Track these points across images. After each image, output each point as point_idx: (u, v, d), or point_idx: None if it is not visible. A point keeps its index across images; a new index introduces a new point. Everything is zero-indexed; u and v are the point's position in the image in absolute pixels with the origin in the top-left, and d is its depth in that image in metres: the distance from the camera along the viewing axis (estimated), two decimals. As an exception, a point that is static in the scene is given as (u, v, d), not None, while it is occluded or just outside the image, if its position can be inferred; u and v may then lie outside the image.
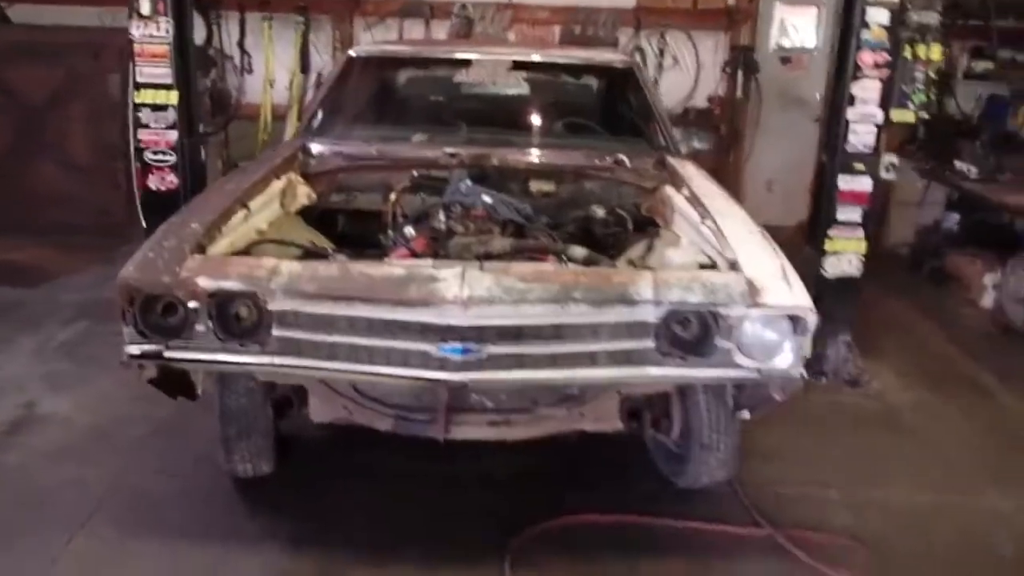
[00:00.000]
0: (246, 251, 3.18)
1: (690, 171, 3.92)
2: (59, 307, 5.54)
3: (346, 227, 3.93)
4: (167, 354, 2.81)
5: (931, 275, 6.79)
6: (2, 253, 6.48)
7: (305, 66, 7.71)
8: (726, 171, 7.67)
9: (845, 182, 4.55)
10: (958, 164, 6.43)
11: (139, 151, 4.73)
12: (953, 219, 7.01)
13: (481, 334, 2.69)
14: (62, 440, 3.96)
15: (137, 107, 4.50)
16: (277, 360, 2.80)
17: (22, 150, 7.09)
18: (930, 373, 5.07)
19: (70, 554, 3.18)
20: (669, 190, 3.75)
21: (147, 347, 2.80)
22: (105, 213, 7.04)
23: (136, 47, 4.40)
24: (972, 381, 5.04)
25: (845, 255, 4.66)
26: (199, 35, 5.59)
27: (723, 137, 7.80)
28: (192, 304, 2.74)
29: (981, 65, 7.45)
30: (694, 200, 3.50)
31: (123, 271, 2.81)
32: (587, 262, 3.28)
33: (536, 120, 4.72)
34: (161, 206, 4.45)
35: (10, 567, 3.11)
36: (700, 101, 7.83)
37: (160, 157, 4.53)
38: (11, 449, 3.87)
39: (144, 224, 6.61)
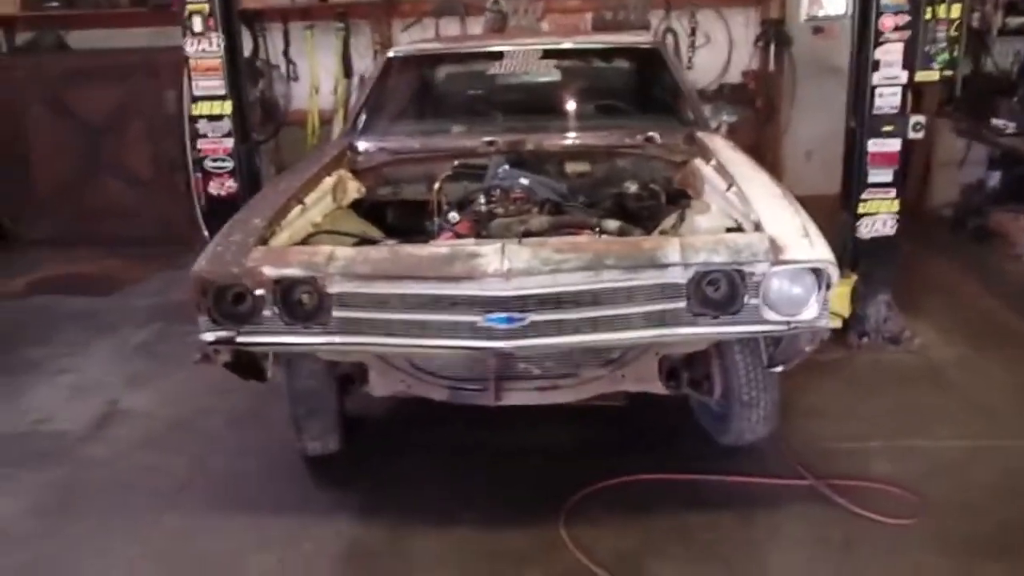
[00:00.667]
0: (303, 242, 3.43)
1: (718, 144, 4.09)
2: (132, 312, 5.89)
3: (394, 217, 4.17)
4: (239, 339, 3.06)
5: (975, 234, 6.81)
6: (73, 266, 6.88)
7: (348, 70, 7.99)
8: (765, 144, 7.78)
9: (875, 145, 4.66)
10: (995, 121, 6.45)
11: (198, 161, 5.03)
12: (995, 177, 7.01)
13: (523, 303, 2.90)
14: (145, 432, 4.27)
15: (195, 119, 4.77)
16: (338, 339, 3.04)
17: (86, 168, 7.50)
18: (973, 329, 5.14)
19: (162, 529, 3.48)
20: (698, 162, 3.92)
21: (221, 334, 3.06)
22: (168, 223, 7.39)
23: (191, 62, 4.68)
24: (1015, 335, 5.10)
25: (879, 216, 4.76)
26: (246, 48, 5.88)
27: (759, 111, 7.89)
28: (259, 291, 2.99)
29: (1016, 21, 7.43)
30: (721, 170, 3.68)
31: (195, 265, 3.07)
32: (621, 234, 3.48)
33: (568, 104, 4.91)
34: (223, 210, 4.74)
35: (108, 540, 3.41)
36: (734, 77, 7.93)
37: (219, 164, 4.82)
38: (100, 442, 4.19)
39: (205, 232, 6.99)
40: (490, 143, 4.21)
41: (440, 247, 3.17)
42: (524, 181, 3.85)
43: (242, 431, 4.22)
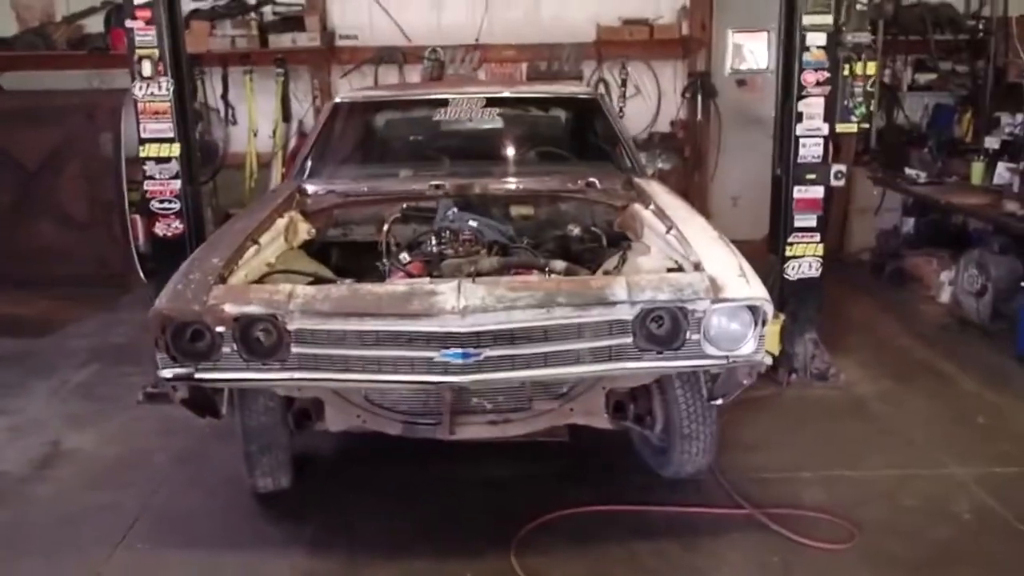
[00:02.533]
0: (259, 282, 3.50)
1: (655, 188, 4.31)
2: (69, 353, 5.84)
3: (344, 258, 4.28)
4: (197, 375, 3.12)
5: (892, 277, 7.17)
6: (7, 307, 6.77)
7: (287, 114, 8.10)
8: (693, 190, 8.09)
9: (799, 192, 4.93)
10: (908, 170, 6.85)
11: (137, 203, 5.05)
12: (910, 223, 7.38)
13: (478, 339, 3.04)
14: (90, 471, 4.24)
15: (143, 160, 4.81)
16: (297, 375, 3.14)
17: (21, 209, 7.40)
18: (893, 365, 5.44)
19: (112, 566, 3.47)
20: (637, 207, 4.13)
21: (179, 370, 3.11)
22: (103, 265, 7.36)
23: (140, 105, 4.72)
24: (933, 369, 5.41)
25: (805, 259, 5.02)
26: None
27: (687, 158, 8.21)
28: (219, 329, 3.06)
29: (924, 77, 7.93)
30: (660, 214, 3.88)
31: (156, 302, 3.12)
32: (567, 274, 3.64)
33: (511, 150, 5.11)
34: (168, 251, 4.80)
35: (58, 580, 3.40)
36: (663, 125, 8.27)
37: (166, 205, 4.85)
38: (44, 481, 4.15)
39: (141, 273, 6.99)
40: (437, 187, 4.36)
41: (399, 285, 3.29)
42: (473, 223, 4.00)
43: (188, 469, 4.23)
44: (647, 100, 8.25)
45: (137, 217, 6.88)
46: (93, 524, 3.76)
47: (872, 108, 4.93)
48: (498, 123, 5.10)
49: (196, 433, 4.38)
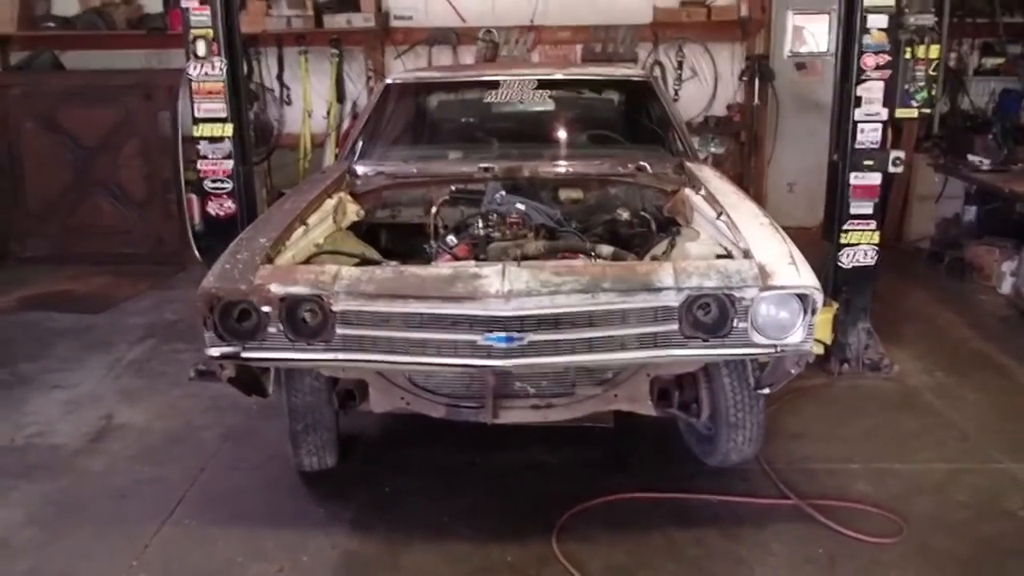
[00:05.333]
0: (306, 262, 3.53)
1: (707, 173, 4.23)
2: (125, 329, 5.96)
3: (392, 240, 4.30)
4: (244, 355, 3.15)
5: (951, 266, 7.00)
6: (67, 283, 6.93)
7: (341, 95, 8.16)
8: (748, 176, 7.98)
9: (856, 178, 4.81)
10: (971, 157, 6.66)
11: (191, 182, 5.11)
12: (971, 211, 7.20)
13: (522, 323, 3.01)
14: (141, 446, 4.33)
15: (196, 140, 4.86)
16: (341, 356, 3.15)
17: (80, 187, 7.58)
18: (949, 357, 5.32)
19: (160, 540, 3.53)
20: (688, 191, 4.06)
21: (226, 349, 3.14)
22: (160, 243, 7.51)
23: (194, 85, 4.77)
24: (990, 362, 5.27)
25: (860, 247, 4.91)
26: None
27: (744, 143, 8.09)
28: (265, 308, 3.08)
29: (991, 61, 7.70)
30: (710, 199, 3.82)
31: (204, 282, 3.15)
32: (614, 259, 3.60)
33: (562, 133, 5.06)
34: (220, 230, 4.86)
35: (106, 552, 3.46)
36: (720, 109, 8.15)
37: (218, 185, 4.91)
38: (97, 455, 4.24)
39: (196, 252, 7.09)
40: (486, 169, 4.33)
41: (443, 268, 3.28)
42: (520, 206, 3.97)
43: (236, 446, 4.29)
44: (703, 83, 8.14)
45: (192, 196, 7.03)
46: (142, 498, 3.84)
47: (935, 93, 4.78)
48: (549, 105, 5.05)
49: (244, 411, 4.45)
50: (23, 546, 3.51)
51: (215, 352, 3.16)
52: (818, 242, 5.05)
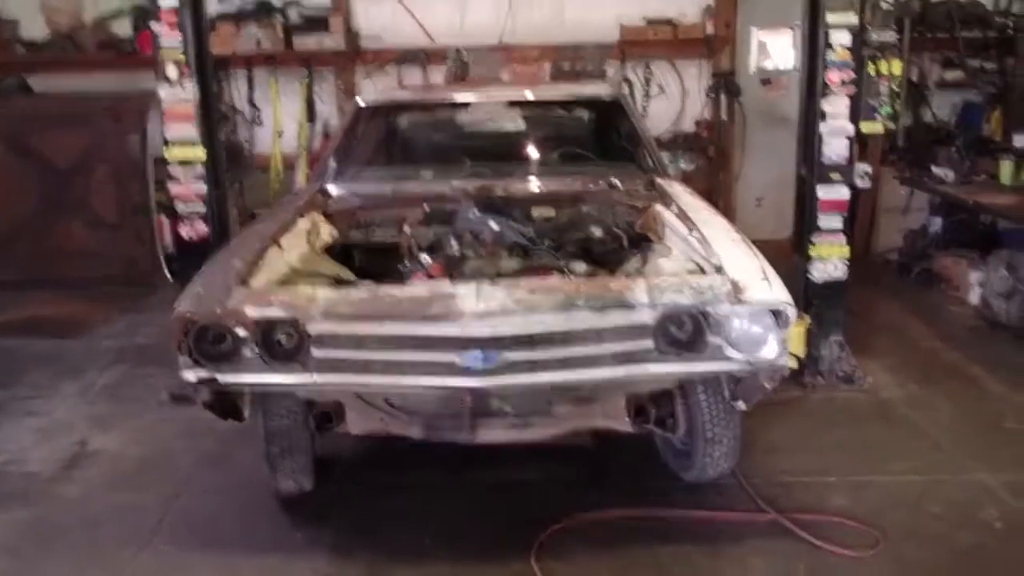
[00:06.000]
0: (281, 284, 3.51)
1: (677, 190, 4.28)
2: (97, 354, 5.89)
3: (366, 260, 4.29)
4: (219, 378, 3.14)
5: (920, 277, 7.09)
6: (37, 308, 6.84)
7: (311, 115, 8.13)
8: (717, 191, 8.04)
9: (824, 192, 4.88)
10: (935, 169, 6.77)
11: (164, 205, 5.09)
12: (937, 223, 7.29)
13: (498, 342, 3.03)
14: (116, 472, 4.28)
15: (168, 163, 4.84)
16: (317, 378, 3.14)
17: (50, 211, 7.47)
18: (921, 368, 5.38)
19: (136, 567, 3.50)
20: (659, 208, 4.10)
21: (201, 373, 3.13)
22: (132, 265, 7.44)
23: (165, 108, 4.76)
24: (961, 372, 5.34)
25: (830, 260, 4.97)
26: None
27: (712, 158, 8.16)
28: (240, 332, 3.08)
29: (952, 75, 7.81)
30: (682, 215, 3.86)
31: (178, 305, 3.14)
32: (588, 276, 3.63)
33: (534, 152, 5.10)
34: (193, 253, 4.84)
35: (83, 580, 3.43)
36: (688, 125, 8.20)
37: (191, 207, 4.88)
38: (71, 482, 4.19)
39: (168, 274, 7.06)
40: (459, 188, 4.35)
41: (418, 288, 3.29)
42: (494, 225, 3.99)
43: (212, 471, 4.25)
44: (671, 100, 8.20)
45: (163, 218, 7.00)
46: (118, 525, 3.80)
47: (898, 107, 4.87)
48: (520, 124, 5.10)
49: (219, 435, 4.41)
50: (-3, 576, 3.47)
51: (190, 376, 3.15)
52: (787, 255, 5.10)
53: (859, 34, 4.67)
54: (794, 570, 3.41)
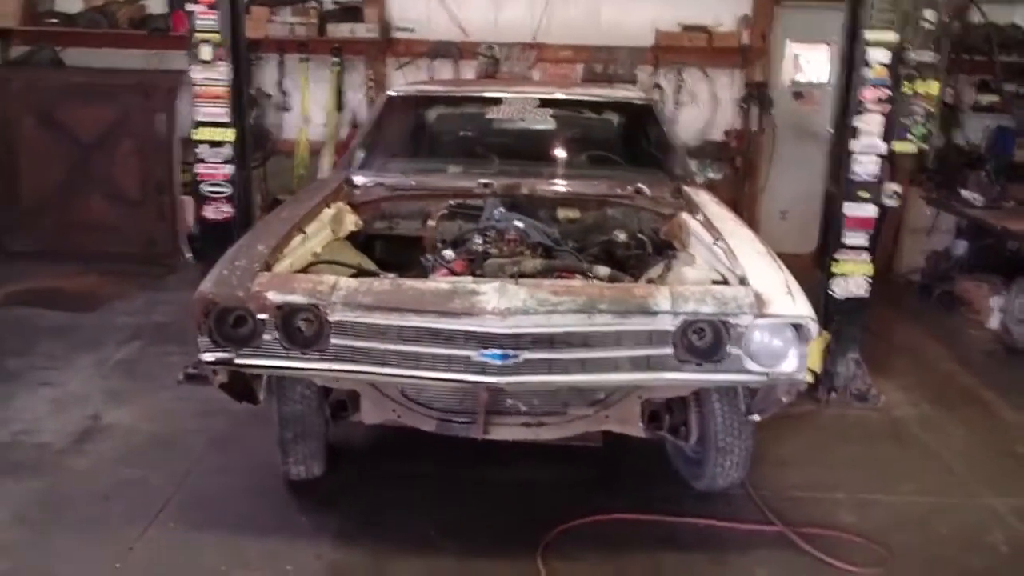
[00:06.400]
0: (304, 271, 3.53)
1: (704, 199, 4.27)
2: (114, 329, 5.92)
3: (389, 251, 4.31)
4: (237, 361, 3.15)
5: (940, 299, 7.05)
6: (57, 280, 6.88)
7: (340, 104, 8.16)
8: (742, 202, 8.01)
9: (851, 209, 4.84)
10: (964, 192, 6.73)
11: (188, 184, 5.10)
12: (962, 246, 7.25)
13: (517, 341, 3.03)
14: (127, 447, 4.30)
15: (196, 143, 4.86)
16: (335, 366, 3.15)
17: (74, 184, 7.55)
18: (935, 389, 5.35)
19: (143, 543, 3.51)
20: (685, 216, 4.09)
21: (220, 355, 3.15)
22: (152, 243, 7.50)
23: (197, 89, 4.77)
24: (975, 396, 5.31)
25: (853, 277, 4.93)
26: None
27: (739, 169, 8.14)
28: (261, 316, 3.09)
29: (987, 98, 7.77)
30: (708, 224, 3.85)
31: (201, 287, 3.15)
32: (611, 280, 3.62)
33: (562, 153, 5.08)
34: (216, 234, 4.86)
35: (90, 554, 3.44)
36: (716, 134, 8.19)
37: (216, 189, 4.90)
38: (82, 455, 4.22)
39: (188, 254, 7.10)
40: (486, 185, 4.36)
41: (441, 283, 3.29)
42: (519, 224, 3.99)
43: (223, 452, 4.27)
44: (701, 108, 8.19)
45: (187, 199, 7.04)
46: (127, 500, 3.82)
47: (932, 128, 4.82)
48: (550, 124, 5.08)
49: (233, 417, 4.42)
50: (5, 545, 3.48)
51: (209, 357, 3.16)
52: (810, 270, 5.07)
53: (897, 52, 4.63)
54: (799, 584, 3.41)
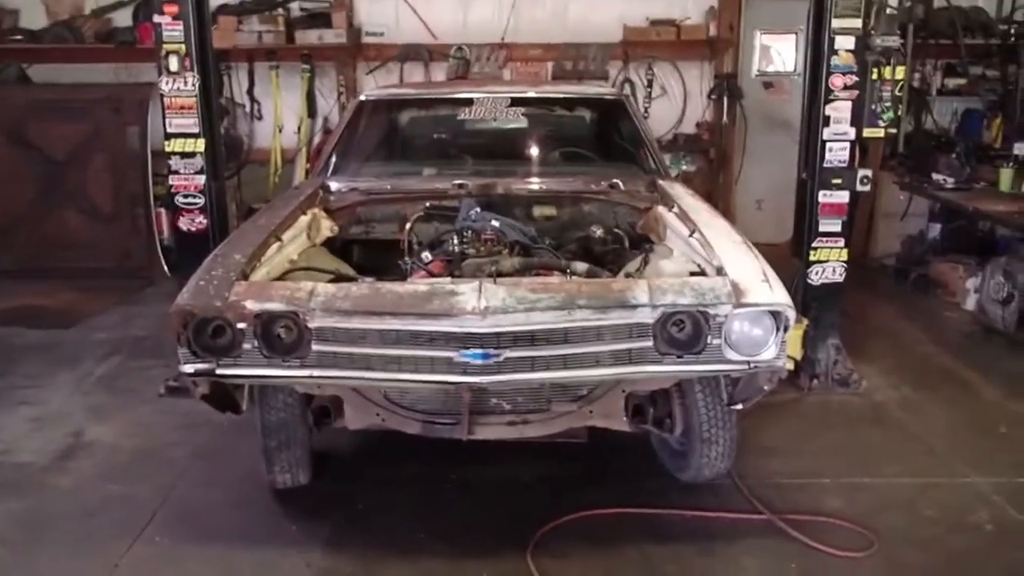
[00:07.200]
0: (281, 278, 3.52)
1: (679, 191, 4.28)
2: (92, 345, 5.88)
3: (366, 256, 4.29)
4: (218, 371, 3.14)
5: (916, 283, 7.11)
6: (33, 298, 6.83)
7: (312, 110, 8.13)
8: (717, 193, 8.06)
9: (824, 196, 4.88)
10: (935, 175, 6.79)
11: (160, 197, 5.05)
12: (936, 229, 7.31)
13: (498, 340, 3.03)
14: (111, 463, 4.27)
15: (168, 155, 4.83)
16: (316, 372, 3.14)
17: (48, 201, 7.48)
18: (916, 372, 5.40)
19: (130, 559, 3.49)
20: (660, 209, 4.11)
21: (200, 366, 3.13)
22: (128, 257, 7.44)
23: (166, 100, 4.74)
24: (955, 377, 5.36)
25: (829, 264, 4.98)
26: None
27: (713, 160, 8.18)
28: (240, 325, 3.07)
29: (954, 82, 7.85)
30: (683, 217, 3.86)
31: (178, 298, 3.13)
32: (589, 276, 3.62)
33: (536, 150, 5.09)
34: (192, 245, 4.84)
35: (75, 572, 3.42)
36: (689, 127, 8.24)
37: (190, 200, 4.87)
38: (65, 473, 4.18)
39: (165, 266, 7.04)
40: (460, 186, 4.36)
41: (419, 285, 3.29)
42: (495, 223, 3.99)
43: (208, 464, 4.25)
44: (673, 101, 8.23)
45: (162, 211, 6.99)
46: (112, 516, 3.79)
47: (900, 113, 4.86)
48: (522, 123, 5.08)
49: (216, 428, 4.41)
50: (-10, 565, 3.46)
51: (189, 369, 3.14)
52: (786, 258, 5.10)
53: (863, 39, 4.66)
54: (787, 570, 3.43)
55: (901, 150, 7.52)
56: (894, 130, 4.98)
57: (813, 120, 4.86)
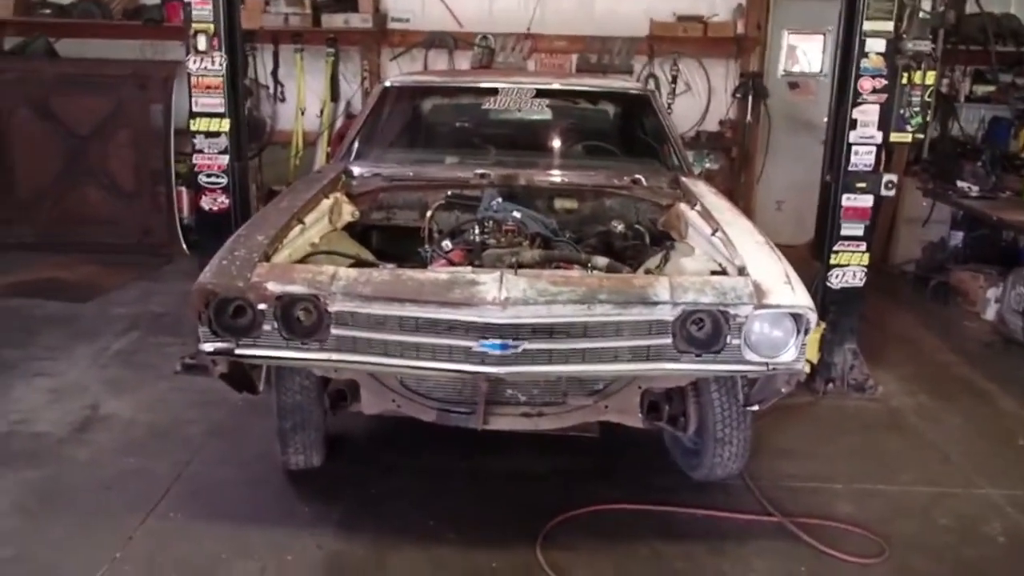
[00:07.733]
0: (302, 261, 3.52)
1: (702, 189, 4.27)
2: (110, 320, 5.92)
3: (386, 242, 4.30)
4: (237, 351, 3.15)
5: (936, 290, 7.05)
6: (54, 271, 6.88)
7: (335, 94, 8.15)
8: (738, 192, 8.03)
9: (848, 200, 4.85)
10: (960, 183, 6.73)
11: (184, 175, 5.07)
12: (958, 237, 7.26)
13: (517, 331, 3.03)
14: (127, 437, 4.30)
15: (192, 134, 4.85)
16: (335, 356, 3.15)
17: (70, 175, 7.53)
18: (933, 380, 5.37)
19: (144, 532, 3.52)
20: (683, 206, 4.09)
21: (220, 345, 3.14)
22: (147, 234, 7.48)
23: (192, 79, 4.75)
24: (972, 387, 5.33)
25: (850, 267, 4.95)
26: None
27: (734, 159, 8.14)
28: (261, 306, 3.08)
29: (983, 88, 7.79)
30: (706, 215, 3.85)
31: (201, 277, 3.14)
32: (609, 271, 3.62)
33: (559, 143, 5.10)
34: (213, 225, 4.86)
35: (90, 543, 3.44)
36: (712, 125, 8.21)
37: (213, 180, 4.89)
38: (81, 445, 4.22)
39: (184, 244, 7.08)
40: (482, 175, 4.35)
41: (440, 273, 3.29)
42: (516, 214, 3.98)
43: (223, 441, 4.28)
44: (697, 98, 8.20)
45: (183, 189, 7.04)
46: (127, 490, 3.82)
47: (928, 118, 4.82)
48: (546, 114, 5.08)
49: (231, 407, 4.44)
50: (6, 534, 3.49)
51: (209, 348, 3.16)
52: (805, 260, 5.07)
53: (894, 42, 4.62)
54: (797, 574, 3.42)
55: (926, 156, 7.47)
56: (921, 136, 4.92)
57: (840, 122, 4.83)
